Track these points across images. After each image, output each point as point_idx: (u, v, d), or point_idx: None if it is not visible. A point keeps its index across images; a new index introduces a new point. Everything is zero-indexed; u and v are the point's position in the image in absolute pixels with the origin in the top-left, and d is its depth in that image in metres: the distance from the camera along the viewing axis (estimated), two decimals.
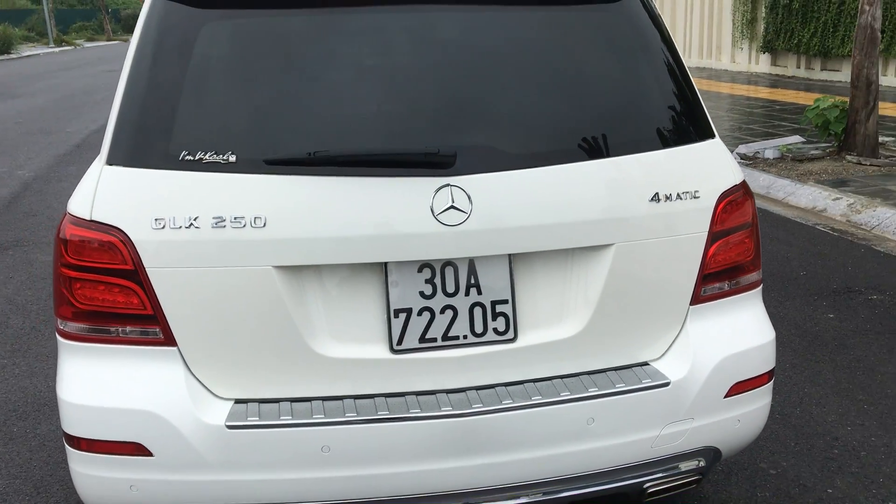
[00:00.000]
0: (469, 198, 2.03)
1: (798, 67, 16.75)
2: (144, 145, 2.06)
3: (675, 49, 2.35)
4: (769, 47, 17.28)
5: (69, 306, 2.09)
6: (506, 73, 2.17)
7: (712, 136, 2.34)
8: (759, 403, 2.35)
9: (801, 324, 4.44)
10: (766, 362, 2.34)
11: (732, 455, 2.42)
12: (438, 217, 2.02)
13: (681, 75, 2.32)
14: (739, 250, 2.32)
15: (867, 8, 8.11)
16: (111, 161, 2.07)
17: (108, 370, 2.07)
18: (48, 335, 4.53)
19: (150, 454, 2.02)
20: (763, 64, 17.84)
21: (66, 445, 2.12)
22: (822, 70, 16.10)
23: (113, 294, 2.05)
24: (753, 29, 17.93)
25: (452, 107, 2.11)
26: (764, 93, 14.51)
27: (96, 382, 2.06)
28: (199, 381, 2.06)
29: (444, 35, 2.18)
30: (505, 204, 2.06)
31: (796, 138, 9.48)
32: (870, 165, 7.95)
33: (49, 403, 3.73)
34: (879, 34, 8.26)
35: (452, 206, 2.02)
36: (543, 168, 2.10)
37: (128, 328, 2.05)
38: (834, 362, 3.98)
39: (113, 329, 2.06)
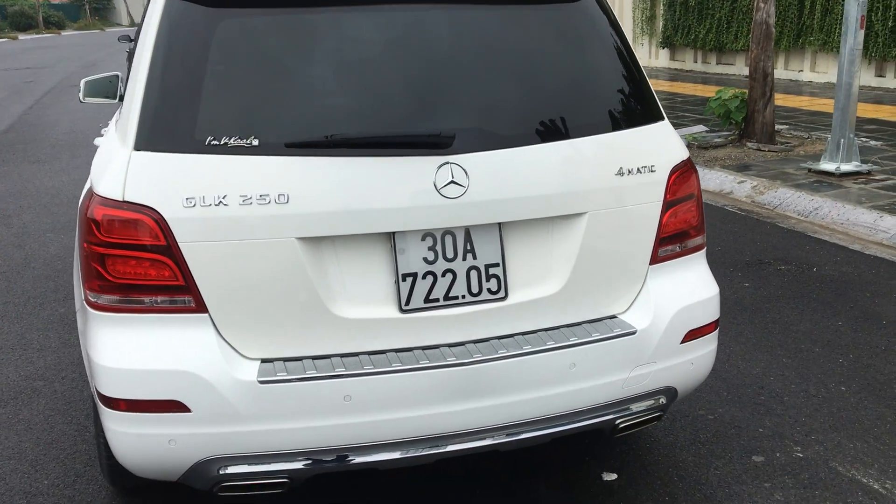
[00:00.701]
0: (466, 173, 2.33)
1: (695, 62, 17.65)
2: (171, 132, 2.27)
3: (629, 44, 2.71)
4: (668, 43, 18.15)
5: (102, 280, 2.28)
6: (491, 64, 2.47)
7: (662, 118, 2.71)
8: (708, 348, 2.73)
9: (722, 292, 4.84)
10: (713, 313, 2.73)
11: (686, 394, 2.80)
12: (441, 191, 2.31)
13: (634, 66, 2.68)
14: (687, 217, 2.69)
15: (762, 5, 8.76)
16: (139, 147, 2.27)
17: (144, 336, 2.27)
18: (7, 327, 4.59)
19: (188, 410, 2.24)
20: (662, 59, 18.71)
21: (104, 407, 2.31)
22: (717, 64, 17.02)
23: (146, 268, 2.25)
24: (653, 25, 18.79)
25: (447, 94, 2.40)
26: (665, 86, 15.26)
27: (134, 348, 2.26)
28: (229, 344, 2.29)
29: (436, 30, 2.46)
30: (496, 179, 2.37)
31: (700, 127, 10.12)
32: (768, 151, 8.61)
33: (26, 391, 3.84)
34: (773, 29, 8.94)
35: (452, 181, 2.32)
36: (527, 147, 2.42)
37: (161, 298, 2.27)
38: (753, 323, 4.45)
39: (147, 299, 2.27)
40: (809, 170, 7.67)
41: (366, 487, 3.01)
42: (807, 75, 14.89)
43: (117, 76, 4.67)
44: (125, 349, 2.27)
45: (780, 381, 3.81)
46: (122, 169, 2.28)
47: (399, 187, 2.30)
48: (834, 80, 14.29)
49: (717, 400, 3.62)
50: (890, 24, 12.59)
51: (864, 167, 7.49)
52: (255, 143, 2.26)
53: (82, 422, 3.55)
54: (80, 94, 4.61)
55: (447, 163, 2.32)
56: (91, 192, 2.39)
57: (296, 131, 2.29)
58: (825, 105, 11.86)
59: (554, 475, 3.09)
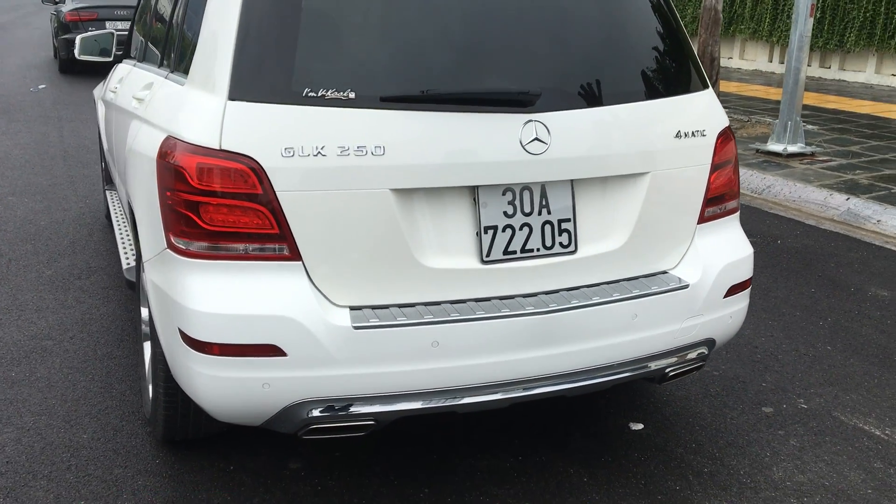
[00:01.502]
0: (549, 131, 2.45)
1: None
2: (268, 83, 2.31)
3: (679, 18, 2.87)
4: None
5: (194, 228, 2.31)
6: (569, 30, 2.59)
7: (709, 86, 2.88)
8: (743, 303, 2.93)
9: None
10: (749, 270, 2.93)
11: (722, 346, 3.00)
12: (526, 147, 2.42)
13: (685, 38, 2.85)
14: (728, 180, 2.88)
15: None
16: (234, 97, 2.30)
17: (239, 283, 2.32)
18: (4, 288, 4.48)
19: (284, 354, 2.30)
20: None
21: (192, 352, 2.34)
22: None
23: (243, 216, 2.30)
24: None
25: (530, 55, 2.51)
26: None
27: (229, 294, 2.31)
28: (320, 291, 2.36)
29: None
30: (572, 137, 2.50)
31: None
32: None
33: (36, 350, 3.78)
34: (721, 16, 9.31)
35: (536, 138, 2.43)
36: (601, 108, 2.55)
37: (257, 246, 2.31)
38: None
39: (242, 247, 2.32)
40: (758, 150, 8.06)
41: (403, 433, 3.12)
42: (736, 62, 15.49)
43: (112, 34, 4.60)
44: (220, 295, 2.31)
45: (770, 341, 4.07)
46: (216, 118, 2.30)
47: (486, 142, 2.40)
48: (762, 67, 14.95)
49: (719, 359, 3.85)
50: (828, 17, 13.20)
51: (809, 149, 7.92)
52: (352, 95, 2.32)
53: (105, 378, 3.53)
54: (76, 51, 4.53)
55: (531, 120, 2.43)
56: (172, 141, 2.41)
57: (390, 85, 2.36)
58: (757, 91, 12.41)
59: (583, 424, 3.26)
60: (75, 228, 5.62)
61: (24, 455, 2.97)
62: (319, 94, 2.30)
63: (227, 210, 2.30)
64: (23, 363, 3.66)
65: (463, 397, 2.44)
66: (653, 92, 2.68)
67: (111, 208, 4.80)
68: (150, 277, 2.60)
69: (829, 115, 10.26)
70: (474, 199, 2.46)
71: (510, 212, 2.49)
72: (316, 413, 2.37)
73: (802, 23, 7.66)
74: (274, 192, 2.28)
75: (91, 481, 2.83)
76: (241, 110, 2.30)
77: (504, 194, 2.48)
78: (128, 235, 4.14)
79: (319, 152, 2.28)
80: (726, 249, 2.86)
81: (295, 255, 2.33)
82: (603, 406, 3.41)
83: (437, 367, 2.39)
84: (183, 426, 2.87)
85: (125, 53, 4.67)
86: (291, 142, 2.28)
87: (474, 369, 2.43)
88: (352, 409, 2.38)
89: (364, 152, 2.31)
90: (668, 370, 2.75)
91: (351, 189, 2.31)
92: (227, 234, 2.31)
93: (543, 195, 2.52)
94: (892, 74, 12.61)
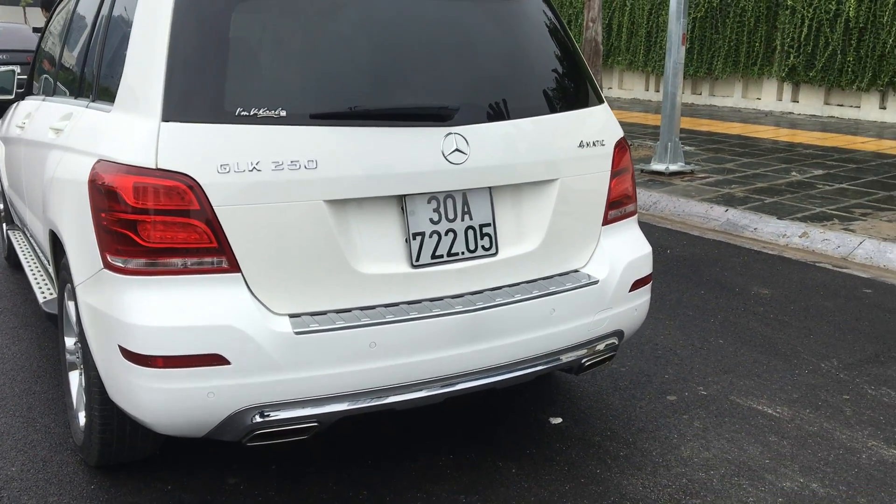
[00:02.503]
0: (467, 142, 2.66)
1: None
2: (201, 104, 2.43)
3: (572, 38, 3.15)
4: None
5: (132, 246, 2.40)
6: (480, 48, 2.81)
7: (604, 101, 3.16)
8: (645, 297, 3.20)
9: None
10: (649, 266, 3.21)
11: (629, 338, 3.26)
12: (448, 157, 2.62)
13: (580, 56, 3.12)
14: (625, 185, 3.16)
15: (591, 24, 9.66)
16: (167, 118, 2.41)
17: (179, 296, 2.41)
18: None
19: (227, 363, 2.39)
20: None
21: (136, 366, 2.40)
22: None
23: (181, 232, 2.39)
24: None
25: (447, 72, 2.72)
26: None
27: (170, 307, 2.39)
28: (260, 301, 2.47)
29: (436, 15, 2.76)
30: (488, 148, 2.71)
31: None
32: None
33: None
34: (601, 47, 9.87)
35: (457, 149, 2.63)
36: (512, 121, 2.78)
37: (196, 260, 2.41)
38: None
39: (181, 262, 2.41)
40: (642, 170, 8.56)
41: (346, 446, 3.23)
42: (616, 92, 16.30)
43: (13, 72, 4.58)
44: (161, 309, 2.39)
45: (669, 339, 4.39)
46: (150, 138, 2.40)
47: (411, 154, 2.59)
48: (640, 96, 15.80)
49: (625, 355, 4.13)
50: (696, 47, 14.09)
51: (689, 167, 8.48)
52: (283, 113, 2.46)
53: (26, 413, 3.49)
54: None
55: (451, 133, 2.63)
56: (104, 163, 2.49)
57: (320, 103, 2.52)
58: (637, 117, 13.11)
59: (507, 422, 3.45)
60: None
61: None
62: (252, 113, 2.44)
63: (165, 227, 2.39)
64: None
65: (401, 394, 2.59)
66: (557, 106, 2.93)
67: (16, 247, 4.71)
68: (85, 300, 2.64)
69: (704, 137, 10.97)
70: (402, 208, 2.63)
71: (436, 218, 2.67)
72: (259, 419, 2.46)
73: (676, 51, 8.23)
74: (211, 207, 2.39)
75: None
76: (176, 130, 2.40)
77: (429, 202, 2.66)
78: (39, 271, 4.10)
79: (255, 167, 2.41)
80: (629, 248, 3.13)
81: (234, 266, 2.44)
82: (523, 403, 3.61)
83: (375, 367, 2.53)
84: (119, 450, 2.90)
85: (26, 91, 4.64)
86: (226, 158, 2.40)
87: (410, 367, 2.58)
88: (295, 412, 2.49)
89: (297, 166, 2.45)
90: (584, 361, 2.98)
91: (286, 201, 2.45)
92: (165, 250, 2.40)
93: (465, 202, 2.72)
94: (757, 98, 13.56)
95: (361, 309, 2.59)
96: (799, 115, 12.85)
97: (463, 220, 2.72)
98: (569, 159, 2.91)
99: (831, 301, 5.01)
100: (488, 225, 2.77)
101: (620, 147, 3.12)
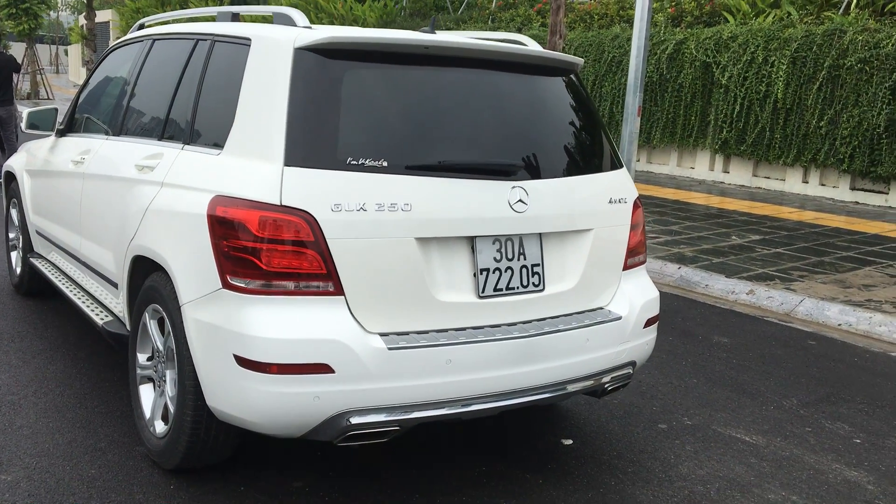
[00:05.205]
0: (527, 194, 3.17)
1: None
2: (318, 153, 2.89)
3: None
4: None
5: (254, 270, 2.82)
6: (533, 116, 3.35)
7: (623, 166, 3.74)
8: (655, 333, 3.75)
9: None
10: (658, 308, 3.76)
11: (639, 367, 3.78)
12: (513, 206, 3.13)
13: (607, 132, 3.70)
14: (639, 238, 3.72)
15: None
16: (289, 163, 2.86)
17: (292, 313, 2.83)
18: None
19: (332, 371, 2.81)
20: None
21: (251, 371, 2.80)
22: None
23: (296, 259, 2.82)
24: None
25: (510, 135, 3.24)
26: None
27: (285, 322, 2.81)
28: (357, 321, 2.90)
29: (498, 88, 3.30)
30: (541, 200, 3.23)
31: None
32: None
33: (5, 403, 3.94)
34: None
35: (521, 200, 3.15)
36: (561, 178, 3.32)
37: (308, 283, 2.84)
38: None
39: (294, 284, 2.83)
40: None
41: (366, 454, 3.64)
42: None
43: (55, 109, 4.91)
44: (277, 323, 2.81)
45: (650, 377, 4.94)
46: (274, 179, 2.84)
47: (483, 202, 3.08)
48: None
49: (616, 393, 4.65)
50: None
51: None
52: (385, 164, 2.94)
53: (85, 425, 3.79)
54: (23, 124, 4.80)
55: (516, 186, 3.15)
56: (225, 199, 2.91)
57: (414, 156, 3.00)
58: None
59: (525, 443, 3.91)
60: None
61: (42, 489, 3.21)
62: (359, 162, 2.91)
63: (283, 254, 2.82)
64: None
65: (470, 405, 3.04)
66: (593, 168, 3.49)
67: (47, 275, 4.96)
68: (194, 316, 3.01)
69: (647, 201, 11.78)
70: (472, 247, 3.12)
71: (498, 257, 3.17)
72: (353, 421, 2.87)
73: (632, 122, 9.00)
74: (325, 239, 2.83)
75: None
76: (297, 174, 2.85)
77: (494, 243, 3.16)
78: (85, 296, 4.39)
79: (362, 208, 2.87)
80: (643, 291, 3.68)
81: (339, 290, 2.87)
82: (536, 427, 4.08)
83: (450, 381, 2.98)
84: (202, 453, 3.24)
85: (67, 128, 4.95)
86: (339, 199, 2.85)
87: (477, 382, 3.04)
88: (382, 416, 2.91)
89: (396, 208, 2.92)
90: (607, 385, 3.48)
91: (385, 237, 2.91)
92: (282, 273, 2.82)
93: (521, 245, 3.23)
94: (691, 167, 14.57)
95: (437, 331, 3.04)
96: (729, 184, 13.87)
97: (518, 259, 3.22)
98: (601, 213, 3.45)
99: (782, 350, 5.67)
100: (538, 265, 3.27)
101: (636, 205, 3.69)
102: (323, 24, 23.05)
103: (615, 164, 3.65)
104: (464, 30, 19.05)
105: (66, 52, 53.25)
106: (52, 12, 39.38)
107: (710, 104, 13.55)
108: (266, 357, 2.79)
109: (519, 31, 17.68)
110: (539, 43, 3.53)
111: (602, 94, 15.24)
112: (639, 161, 15.43)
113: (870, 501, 3.56)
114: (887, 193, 11.67)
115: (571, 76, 3.62)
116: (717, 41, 13.21)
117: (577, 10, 17.29)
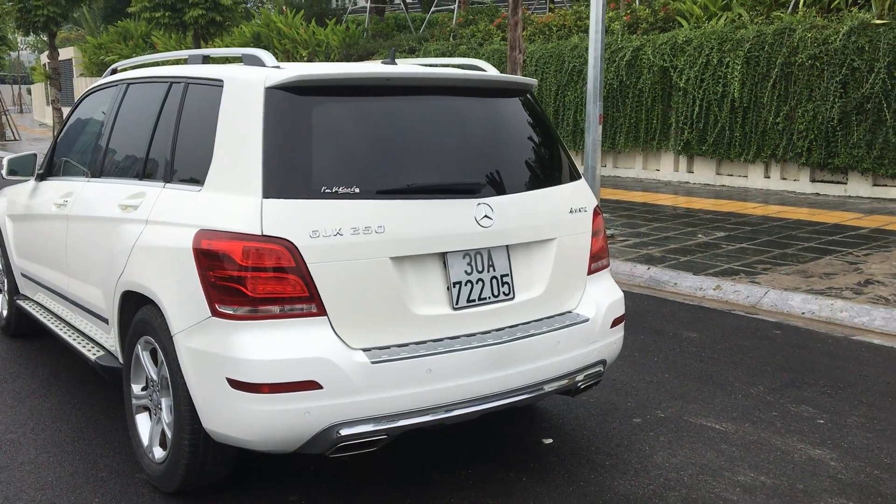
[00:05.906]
0: (492, 210, 3.39)
1: None
2: (294, 184, 3.08)
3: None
4: None
5: (241, 297, 3.00)
6: (494, 136, 3.58)
7: (581, 177, 3.97)
8: (621, 333, 3.97)
9: None
10: (623, 308, 3.98)
11: (609, 367, 4.00)
12: (479, 222, 3.34)
13: (564, 147, 3.94)
14: (601, 244, 3.95)
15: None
16: (268, 195, 3.05)
17: (279, 336, 3.02)
18: None
19: (320, 387, 3.00)
20: None
21: (243, 393, 2.98)
22: None
23: (279, 285, 3.02)
24: None
25: (473, 155, 3.46)
26: None
27: (273, 344, 3.00)
28: (340, 338, 3.10)
29: (460, 112, 3.52)
30: (506, 214, 3.45)
31: None
32: None
33: (5, 441, 4.08)
34: None
35: (486, 216, 3.36)
36: (522, 193, 3.54)
37: (292, 307, 3.03)
38: None
39: (279, 308, 3.02)
40: None
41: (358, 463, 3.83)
42: None
43: (34, 155, 5.07)
44: (265, 346, 3.00)
45: (624, 376, 5.16)
46: (254, 211, 3.04)
47: (452, 220, 3.29)
48: None
49: (593, 390, 4.87)
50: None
51: (609, 232, 9.45)
52: (357, 190, 3.14)
53: (85, 457, 3.94)
54: (4, 171, 4.95)
55: (481, 202, 3.36)
56: (208, 232, 3.10)
57: (384, 182, 3.21)
58: None
59: (507, 444, 4.11)
60: None
61: None
62: (333, 190, 3.11)
63: (267, 281, 3.01)
64: None
65: (452, 411, 3.24)
66: (554, 181, 3.72)
67: (36, 316, 5.09)
68: (186, 344, 3.19)
69: (615, 205, 12.08)
70: (444, 262, 3.32)
71: (469, 270, 3.38)
72: (343, 432, 3.06)
73: (594, 130, 9.27)
74: (305, 264, 3.02)
75: None
76: (276, 205, 3.04)
77: (464, 258, 3.37)
78: (74, 334, 4.54)
79: (338, 233, 3.07)
80: (607, 293, 3.90)
81: (321, 311, 3.06)
82: (517, 429, 4.29)
83: (431, 389, 3.18)
84: (200, 475, 3.41)
85: (46, 172, 5.10)
86: (316, 226, 3.05)
87: (457, 389, 3.24)
88: (370, 427, 3.10)
89: (370, 231, 3.12)
90: (580, 384, 3.69)
91: (361, 259, 3.11)
92: (267, 299, 3.01)
93: (490, 257, 3.44)
94: (657, 169, 14.90)
95: (416, 343, 3.24)
96: (694, 184, 14.21)
97: (488, 271, 3.43)
98: (563, 222, 3.68)
99: (748, 341, 5.92)
100: (507, 275, 3.48)
101: (596, 213, 3.92)
102: (286, 48, 23.29)
103: (574, 176, 3.88)
104: (427, 48, 19.35)
105: (28, 91, 53.11)
106: (12, 52, 39.34)
107: (671, 107, 13.89)
108: (257, 378, 2.97)
109: (480, 45, 17.98)
110: (500, 57, 3.74)
111: (566, 104, 15.55)
112: (605, 166, 15.75)
113: (833, 476, 3.79)
114: (845, 183, 12.04)
115: (528, 95, 3.85)
116: (672, 46, 13.58)
117: (535, 23, 17.64)
